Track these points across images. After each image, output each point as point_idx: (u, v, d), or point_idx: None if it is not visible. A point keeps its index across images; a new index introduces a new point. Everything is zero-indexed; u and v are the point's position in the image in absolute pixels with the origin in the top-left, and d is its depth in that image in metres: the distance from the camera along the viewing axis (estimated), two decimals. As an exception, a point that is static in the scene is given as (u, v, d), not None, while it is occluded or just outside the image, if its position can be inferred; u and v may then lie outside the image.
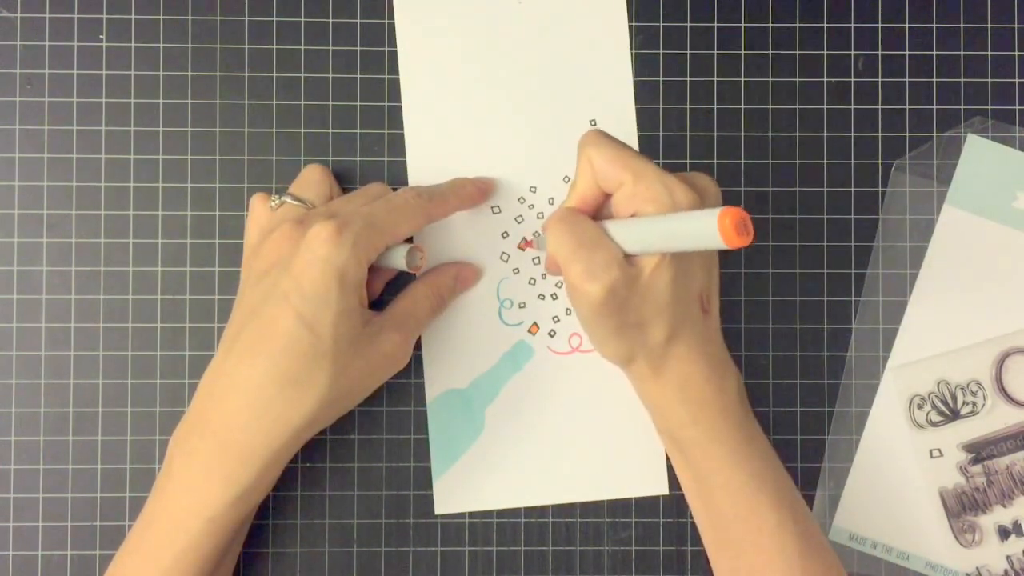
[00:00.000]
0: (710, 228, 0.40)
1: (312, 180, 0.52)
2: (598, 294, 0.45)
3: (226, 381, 0.47)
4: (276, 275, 0.47)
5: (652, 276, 0.46)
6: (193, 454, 0.47)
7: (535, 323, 0.56)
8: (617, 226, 0.47)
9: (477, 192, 0.54)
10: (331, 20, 0.56)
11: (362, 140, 0.56)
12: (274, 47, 0.56)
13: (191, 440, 0.48)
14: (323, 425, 0.50)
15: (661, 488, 0.55)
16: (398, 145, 0.56)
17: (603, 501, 0.55)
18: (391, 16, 0.56)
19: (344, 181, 0.56)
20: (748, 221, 0.40)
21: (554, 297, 0.56)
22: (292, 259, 0.47)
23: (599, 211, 0.49)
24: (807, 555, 0.48)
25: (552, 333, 0.56)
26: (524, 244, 0.55)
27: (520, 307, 0.56)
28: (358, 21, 0.56)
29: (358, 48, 0.56)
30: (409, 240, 0.54)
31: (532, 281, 0.56)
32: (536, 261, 0.56)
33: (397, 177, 0.56)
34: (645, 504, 0.56)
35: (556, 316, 0.56)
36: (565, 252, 0.46)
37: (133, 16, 0.56)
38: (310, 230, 0.47)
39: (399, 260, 0.50)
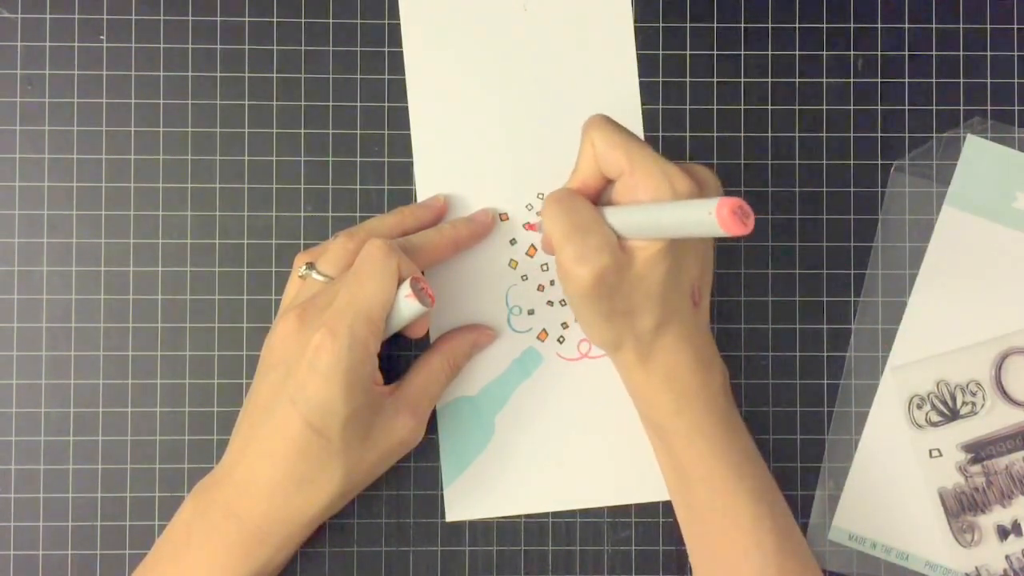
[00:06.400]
0: (709, 215, 0.40)
1: (338, 255, 0.51)
2: (587, 278, 0.45)
3: (247, 474, 0.49)
4: (283, 375, 0.48)
5: (645, 264, 0.46)
6: (214, 531, 0.49)
7: (544, 330, 0.56)
8: (614, 211, 0.46)
9: (468, 234, 0.54)
10: (331, 20, 0.56)
11: (362, 140, 0.56)
12: (274, 47, 0.56)
13: (212, 515, 0.49)
14: (338, 509, 0.51)
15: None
16: (398, 145, 0.56)
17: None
18: (391, 16, 0.56)
19: (344, 182, 0.56)
20: (748, 209, 0.40)
21: (563, 303, 0.56)
22: (296, 365, 0.47)
23: (599, 196, 0.49)
24: (783, 552, 0.49)
25: (561, 339, 0.56)
26: (529, 226, 0.55)
27: (529, 314, 0.56)
28: (358, 21, 0.56)
29: (358, 48, 0.56)
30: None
31: (540, 288, 0.56)
32: (545, 267, 0.56)
33: (398, 178, 0.56)
34: (645, 504, 0.56)
35: (565, 322, 0.56)
36: (559, 233, 0.46)
37: (133, 17, 0.56)
38: (312, 340, 0.47)
39: (406, 312, 0.49)
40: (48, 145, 0.55)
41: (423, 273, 0.51)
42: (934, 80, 0.56)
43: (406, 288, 0.48)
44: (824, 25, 0.56)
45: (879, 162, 0.56)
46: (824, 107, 0.56)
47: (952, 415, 0.55)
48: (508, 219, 0.56)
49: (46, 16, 0.55)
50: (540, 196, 0.56)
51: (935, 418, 0.55)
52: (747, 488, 0.49)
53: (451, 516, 0.55)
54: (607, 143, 0.47)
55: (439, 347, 0.54)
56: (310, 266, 0.51)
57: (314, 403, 0.47)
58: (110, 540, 0.55)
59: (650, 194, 0.45)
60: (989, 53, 0.56)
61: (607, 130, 0.47)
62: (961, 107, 0.56)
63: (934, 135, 0.56)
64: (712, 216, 0.40)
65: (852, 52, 0.56)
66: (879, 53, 0.56)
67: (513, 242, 0.56)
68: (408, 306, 0.49)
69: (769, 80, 0.56)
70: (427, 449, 0.55)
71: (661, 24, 0.56)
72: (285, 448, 0.48)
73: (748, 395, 0.55)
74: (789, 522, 0.50)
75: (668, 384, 0.49)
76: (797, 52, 0.56)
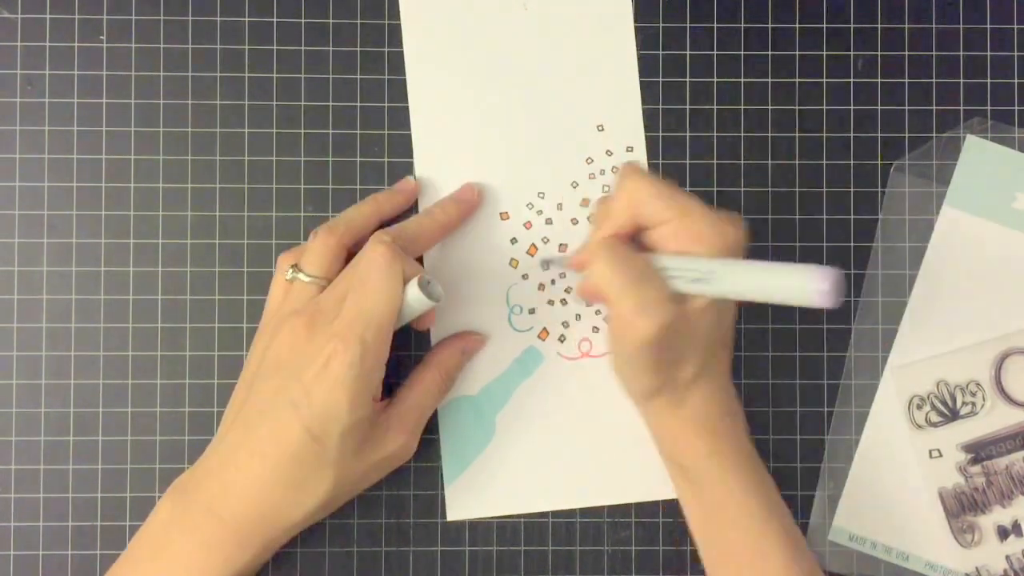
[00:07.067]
0: (807, 285, 0.40)
1: (321, 253, 0.51)
2: (650, 331, 0.45)
3: (235, 473, 0.49)
4: (287, 378, 0.48)
5: (697, 315, 0.46)
6: (195, 532, 0.48)
7: (545, 328, 0.56)
8: (669, 260, 0.46)
9: (457, 215, 0.54)
10: (331, 20, 0.56)
11: (362, 140, 0.56)
12: (274, 48, 0.56)
13: (193, 516, 0.49)
14: (318, 520, 0.51)
15: (673, 492, 0.55)
16: (398, 146, 0.56)
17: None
18: (391, 16, 0.56)
19: (344, 181, 0.56)
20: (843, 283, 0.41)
21: (563, 303, 0.56)
22: (304, 369, 0.47)
23: (628, 243, 0.49)
24: None
25: (562, 338, 0.56)
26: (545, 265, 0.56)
27: (530, 313, 0.56)
28: (358, 21, 0.56)
29: (358, 48, 0.56)
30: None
31: (541, 287, 0.56)
32: (545, 267, 0.56)
33: (398, 178, 0.56)
34: (645, 504, 0.56)
35: (566, 321, 0.56)
36: (617, 285, 0.46)
37: (133, 17, 0.56)
38: (323, 349, 0.47)
39: (416, 306, 0.49)
40: (48, 145, 0.55)
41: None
42: (934, 80, 0.56)
43: (414, 286, 0.49)
44: (824, 25, 0.56)
45: (879, 162, 0.56)
46: (824, 107, 0.56)
47: (952, 415, 0.55)
48: (509, 218, 0.56)
49: (46, 16, 0.55)
50: (540, 195, 0.56)
51: (935, 418, 0.55)
52: (775, 527, 0.49)
53: (451, 516, 0.55)
54: (649, 192, 0.47)
55: (430, 361, 0.54)
56: (296, 268, 0.51)
57: (317, 410, 0.47)
58: (110, 540, 0.55)
59: (703, 245, 0.45)
60: (989, 53, 0.56)
61: (647, 180, 0.47)
62: (961, 107, 0.56)
63: (934, 135, 0.56)
64: (812, 286, 0.40)
65: (852, 52, 0.56)
66: (879, 53, 0.56)
67: (514, 241, 0.56)
68: (418, 300, 0.49)
69: (769, 80, 0.56)
70: (427, 449, 0.55)
71: (661, 24, 0.56)
72: (280, 452, 0.48)
73: (748, 395, 0.55)
74: (813, 563, 0.50)
75: (701, 428, 0.49)
76: (797, 52, 0.56)
